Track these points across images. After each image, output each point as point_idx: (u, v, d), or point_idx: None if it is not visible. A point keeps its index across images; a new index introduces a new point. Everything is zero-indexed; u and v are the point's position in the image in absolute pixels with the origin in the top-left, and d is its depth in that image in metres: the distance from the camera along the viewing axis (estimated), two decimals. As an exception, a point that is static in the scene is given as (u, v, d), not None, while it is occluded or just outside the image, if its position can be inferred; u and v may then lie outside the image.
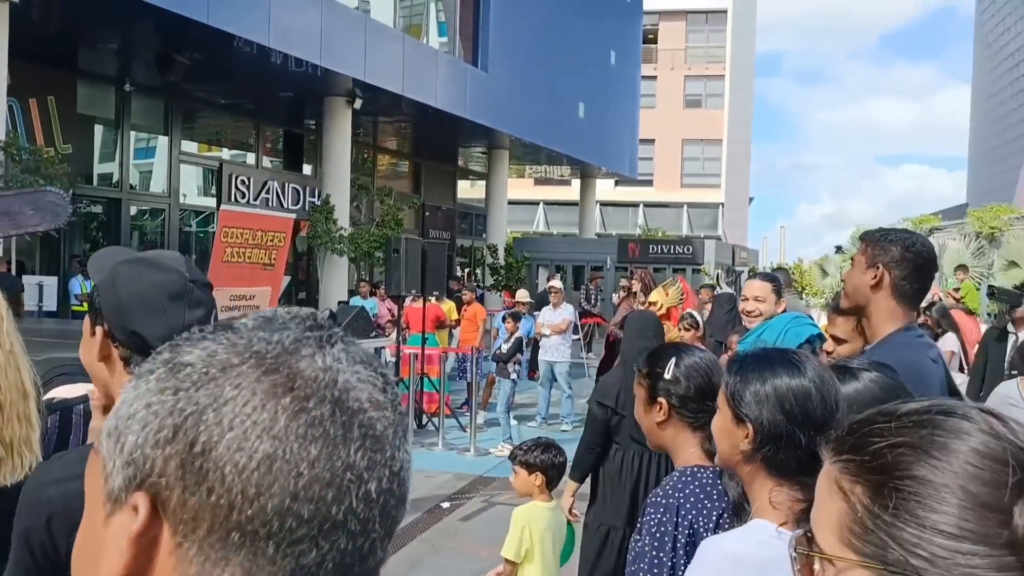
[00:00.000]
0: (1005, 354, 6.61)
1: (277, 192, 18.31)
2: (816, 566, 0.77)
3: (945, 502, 0.70)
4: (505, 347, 9.63)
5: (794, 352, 1.68)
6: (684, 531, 1.84)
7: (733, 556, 1.49)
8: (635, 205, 39.83)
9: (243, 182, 17.66)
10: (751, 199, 41.22)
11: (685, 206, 40.13)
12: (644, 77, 31.98)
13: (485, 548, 6.12)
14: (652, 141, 37.67)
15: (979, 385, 6.41)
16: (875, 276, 2.42)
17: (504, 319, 10.26)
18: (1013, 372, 6.45)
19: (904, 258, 2.40)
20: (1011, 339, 6.77)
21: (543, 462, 3.62)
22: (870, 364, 1.79)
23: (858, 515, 0.74)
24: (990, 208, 23.10)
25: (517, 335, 9.76)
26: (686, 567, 1.64)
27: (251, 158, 18.93)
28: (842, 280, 2.96)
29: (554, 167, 28.86)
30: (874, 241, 2.47)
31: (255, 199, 17.74)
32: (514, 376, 9.62)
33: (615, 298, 13.24)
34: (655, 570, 1.86)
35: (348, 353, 0.62)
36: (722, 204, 39.73)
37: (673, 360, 2.11)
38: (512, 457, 3.74)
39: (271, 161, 19.75)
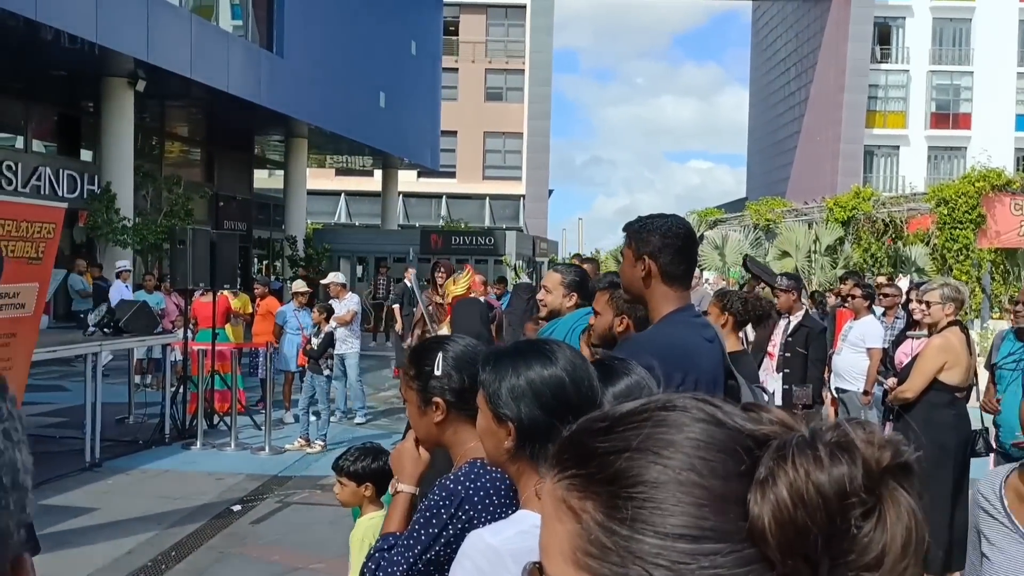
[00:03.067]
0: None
1: (50, 179, 16.85)
2: None
3: (680, 503, 0.65)
4: (316, 342, 9.33)
5: (546, 342, 1.67)
6: (457, 525, 1.79)
7: (493, 548, 1.45)
8: (438, 196, 39.93)
9: (9, 168, 16.12)
10: (551, 192, 42.34)
11: (487, 198, 40.68)
12: (445, 69, 32.09)
13: (278, 551, 5.89)
14: (454, 133, 37.90)
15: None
16: (643, 268, 2.47)
17: (307, 311, 9.95)
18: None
19: (665, 244, 2.47)
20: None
21: (373, 471, 3.34)
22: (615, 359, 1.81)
23: (592, 535, 0.67)
24: (765, 201, 24.91)
25: (327, 330, 9.49)
26: (451, 561, 1.59)
27: (20, 142, 17.33)
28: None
29: (356, 157, 28.41)
30: (635, 233, 2.52)
31: (24, 186, 16.26)
32: (327, 372, 9.34)
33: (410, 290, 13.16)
34: (413, 545, 1.81)
35: None
36: (523, 196, 40.60)
37: (440, 355, 2.02)
38: (337, 469, 3.42)
39: (44, 146, 18.17)
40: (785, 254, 20.39)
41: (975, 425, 5.58)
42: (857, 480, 0.62)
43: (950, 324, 5.30)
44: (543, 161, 40.49)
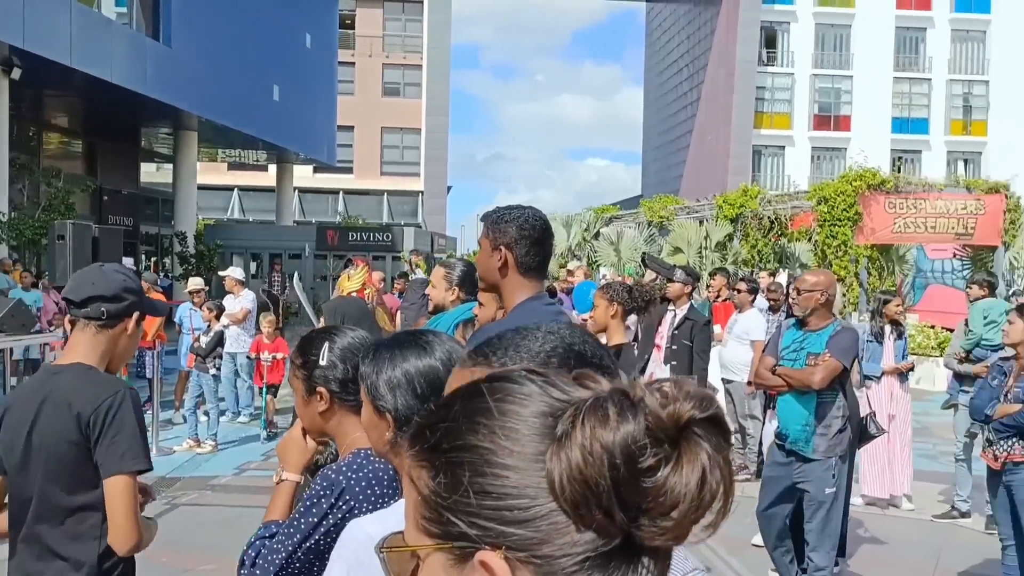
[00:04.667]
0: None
1: (-84, 171, 15.85)
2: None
3: (492, 464, 0.70)
4: (205, 340, 9.09)
5: (425, 333, 1.70)
6: (338, 514, 1.80)
7: (371, 537, 1.47)
8: (335, 192, 39.35)
9: None
10: (450, 188, 42.28)
11: (385, 194, 40.32)
12: (342, 63, 31.66)
13: (166, 552, 5.72)
14: (351, 128, 37.43)
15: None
16: (500, 258, 2.53)
17: (201, 309, 9.68)
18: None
19: (522, 236, 2.53)
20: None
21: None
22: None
23: (425, 498, 0.73)
24: (659, 199, 25.42)
25: (217, 328, 9.25)
26: (329, 550, 1.60)
27: None
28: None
29: (249, 151, 27.72)
30: (493, 224, 2.57)
31: None
32: (213, 371, 9.11)
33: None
34: (293, 534, 1.82)
35: None
36: (422, 193, 40.40)
37: (326, 345, 2.03)
38: None
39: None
40: (678, 250, 20.90)
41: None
42: (641, 435, 0.67)
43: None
44: (442, 157, 40.38)
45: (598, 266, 22.15)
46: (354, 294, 7.48)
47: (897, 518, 7.07)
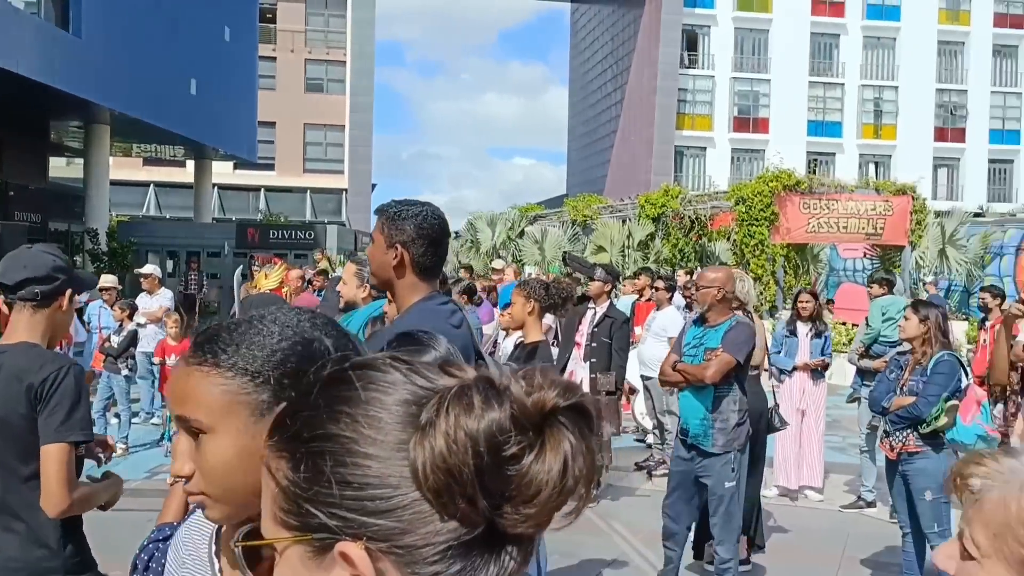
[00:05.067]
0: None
1: None
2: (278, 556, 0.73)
3: (353, 453, 0.69)
4: (116, 340, 8.80)
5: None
6: None
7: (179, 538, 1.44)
8: (255, 189, 38.59)
9: None
10: (374, 186, 41.89)
11: (308, 191, 39.74)
12: (263, 57, 31.09)
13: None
14: (273, 124, 36.79)
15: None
16: (395, 256, 2.48)
17: (113, 308, 9.38)
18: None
19: (420, 235, 2.48)
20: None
21: None
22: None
23: (284, 490, 0.72)
24: (583, 198, 25.65)
25: (131, 327, 8.98)
26: None
27: None
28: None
29: (166, 147, 27.00)
30: (389, 220, 2.50)
31: None
32: (126, 372, 8.83)
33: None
34: None
35: None
36: (345, 190, 39.95)
37: None
38: None
39: None
40: (601, 249, 21.13)
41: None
42: (506, 423, 0.67)
43: (735, 309, 5.71)
44: (366, 155, 40.01)
45: (523, 264, 22.24)
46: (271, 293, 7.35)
47: (807, 509, 7.28)
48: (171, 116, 21.24)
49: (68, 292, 2.54)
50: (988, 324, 8.02)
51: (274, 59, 38.13)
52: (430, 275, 2.55)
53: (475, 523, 0.68)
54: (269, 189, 38.79)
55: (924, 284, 16.57)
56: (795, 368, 7.35)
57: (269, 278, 7.30)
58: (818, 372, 7.40)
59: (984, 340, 8.02)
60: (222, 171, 31.83)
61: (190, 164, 28.46)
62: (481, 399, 0.68)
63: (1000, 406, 4.34)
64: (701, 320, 5.01)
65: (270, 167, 37.59)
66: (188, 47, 21.97)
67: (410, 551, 0.68)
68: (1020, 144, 45.93)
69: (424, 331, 2.21)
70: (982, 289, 9.44)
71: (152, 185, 37.68)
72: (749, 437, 4.89)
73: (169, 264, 23.49)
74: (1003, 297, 8.32)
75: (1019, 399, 3.73)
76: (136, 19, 19.52)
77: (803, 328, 7.38)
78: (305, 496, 0.70)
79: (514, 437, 0.67)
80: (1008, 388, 3.67)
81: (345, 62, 39.79)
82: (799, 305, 7.46)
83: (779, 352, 7.46)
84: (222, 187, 35.64)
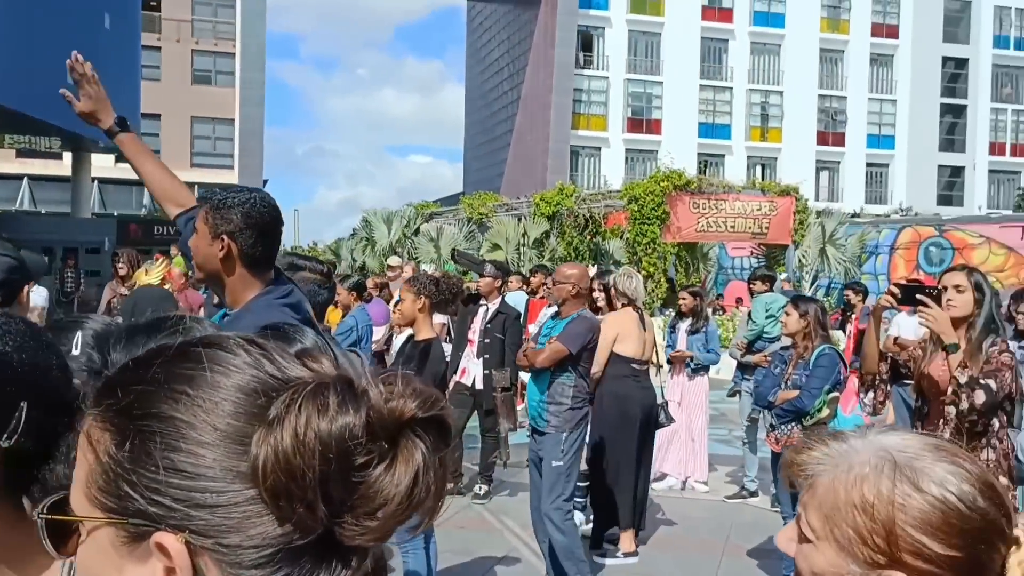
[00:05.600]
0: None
1: None
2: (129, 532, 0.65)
3: (188, 439, 0.63)
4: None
5: (184, 319, 1.60)
6: None
7: None
8: (139, 184, 36.92)
9: None
10: (266, 182, 40.88)
11: (196, 186, 38.43)
12: (146, 47, 29.89)
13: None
14: (158, 116, 35.44)
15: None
16: (222, 247, 2.33)
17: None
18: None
19: (248, 225, 2.34)
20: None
21: None
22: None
23: (103, 466, 0.65)
24: (479, 196, 25.70)
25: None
26: None
27: None
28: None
29: (41, 138, 25.65)
30: (214, 209, 2.35)
31: None
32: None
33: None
34: None
35: None
36: (236, 186, 38.87)
37: (79, 334, 1.86)
38: None
39: None
40: (496, 246, 21.22)
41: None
42: (358, 430, 0.63)
43: (624, 305, 5.83)
44: (257, 149, 39.00)
45: (418, 262, 22.11)
46: (151, 289, 7.06)
47: (693, 500, 7.45)
48: (46, 106, 20.16)
49: (25, 288, 2.57)
50: (853, 317, 8.69)
51: (159, 49, 36.72)
52: (261, 268, 2.40)
53: (310, 529, 0.63)
54: (155, 184, 37.28)
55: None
56: (669, 360, 7.60)
57: (150, 274, 7.00)
58: (698, 367, 7.58)
59: (849, 331, 8.56)
60: (103, 164, 30.51)
61: (68, 156, 27.14)
62: (337, 400, 0.64)
63: (871, 394, 4.52)
64: (557, 313, 5.22)
65: (156, 161, 36.20)
66: (65, 35, 20.92)
67: (235, 551, 0.63)
68: (894, 149, 48.39)
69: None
70: (845, 287, 10.05)
71: (26, 178, 35.78)
72: (584, 421, 5.09)
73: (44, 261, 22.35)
74: (865, 293, 9.05)
75: (887, 387, 3.89)
76: (7, 3, 18.48)
77: (683, 324, 7.61)
78: (127, 478, 0.64)
79: (366, 445, 0.63)
80: (877, 377, 3.83)
81: (234, 53, 38.67)
82: (680, 302, 7.74)
83: (668, 347, 7.67)
84: (103, 181, 34.17)
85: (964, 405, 3.42)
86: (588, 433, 6.53)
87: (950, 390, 3.47)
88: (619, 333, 5.75)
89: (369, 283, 9.97)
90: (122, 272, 8.05)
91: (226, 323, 2.41)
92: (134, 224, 23.68)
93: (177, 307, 7.12)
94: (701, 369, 7.61)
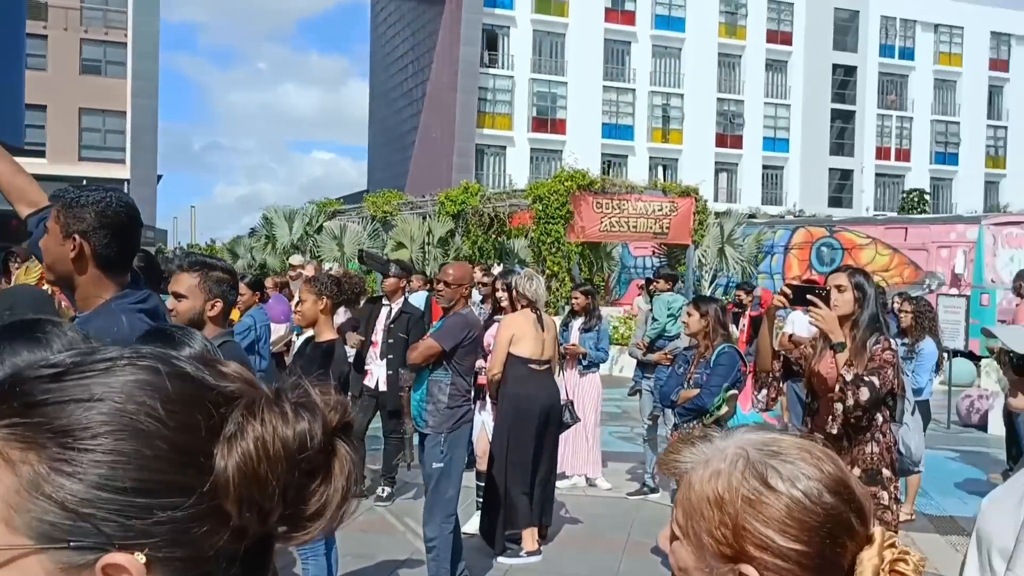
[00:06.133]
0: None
1: None
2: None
3: (128, 454, 0.61)
4: None
5: (43, 322, 1.52)
6: None
7: None
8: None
9: None
10: (160, 177, 39.54)
11: (84, 181, 36.87)
12: (31, 35, 28.48)
13: None
14: (43, 107, 33.83)
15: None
16: (73, 247, 2.24)
17: None
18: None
19: (101, 224, 2.26)
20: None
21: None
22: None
23: (27, 486, 0.60)
24: (383, 193, 25.44)
25: None
26: None
27: None
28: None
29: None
30: (65, 208, 2.26)
31: None
32: None
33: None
34: None
35: None
36: (128, 181, 37.42)
37: None
38: None
39: None
40: (401, 245, 21.05)
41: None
42: (317, 436, 0.67)
43: (524, 306, 5.83)
44: (150, 143, 37.67)
45: (320, 260, 21.74)
46: (32, 289, 6.71)
47: (595, 497, 7.53)
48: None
49: None
50: (744, 315, 9.04)
51: (45, 37, 35.06)
52: (116, 269, 2.32)
53: (256, 533, 0.66)
54: (39, 178, 35.02)
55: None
56: (562, 357, 7.71)
57: (29, 273, 6.64)
58: (589, 364, 7.67)
59: (742, 326, 8.85)
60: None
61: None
62: (293, 409, 0.67)
63: (764, 392, 4.66)
64: (445, 311, 5.24)
65: (40, 154, 34.53)
66: (-59, 18, 19.79)
67: (194, 561, 0.63)
68: (788, 152, 50.13)
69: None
70: (736, 286, 10.40)
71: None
72: (464, 421, 5.04)
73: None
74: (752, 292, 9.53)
75: (779, 385, 4.02)
76: None
77: (576, 322, 7.72)
78: (57, 496, 0.60)
79: (317, 453, 0.67)
80: (770, 375, 3.94)
81: (126, 43, 37.24)
82: (572, 300, 7.86)
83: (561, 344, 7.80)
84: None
85: (850, 402, 3.54)
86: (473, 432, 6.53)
87: (837, 387, 3.59)
88: (515, 334, 5.75)
89: (268, 282, 9.75)
90: (13, 270, 7.64)
91: (76, 325, 2.32)
92: (16, 220, 22.49)
93: (53, 306, 6.79)
94: (592, 367, 7.70)
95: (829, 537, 0.96)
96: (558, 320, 7.57)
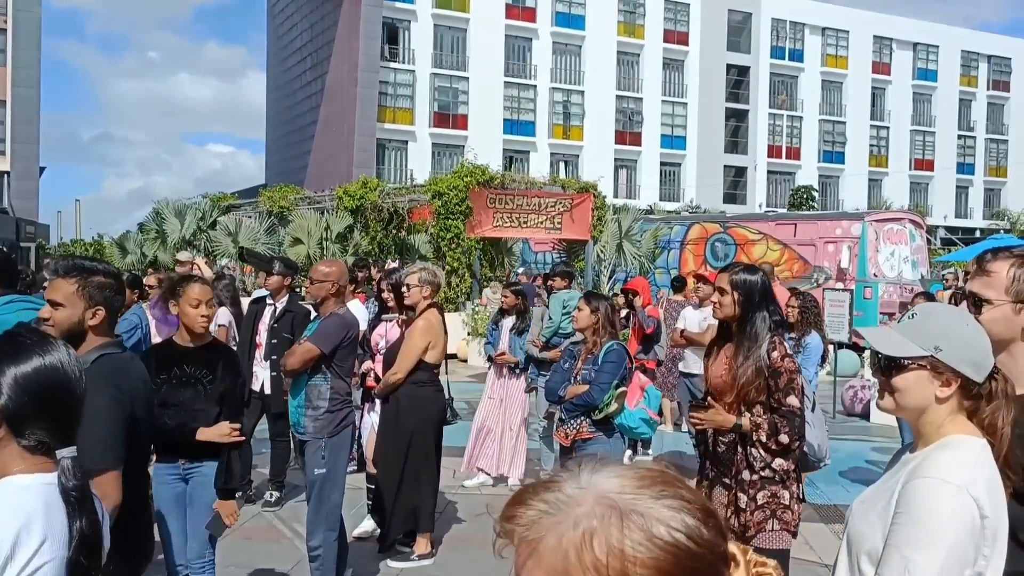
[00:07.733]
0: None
1: None
2: None
3: None
4: None
5: None
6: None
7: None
8: None
9: None
10: (43, 169, 37.64)
11: (-41, 173, 34.89)
12: None
13: None
14: (-89, 94, 31.84)
15: None
16: None
17: None
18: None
19: None
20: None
21: None
22: None
23: None
24: (279, 188, 24.80)
25: None
26: None
27: None
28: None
29: None
30: None
31: None
32: None
33: None
34: None
35: None
36: (7, 173, 35.54)
37: None
38: None
39: None
40: (298, 241, 20.55)
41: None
42: None
43: (428, 306, 5.66)
44: (33, 134, 35.83)
45: (215, 257, 21.05)
46: None
47: (492, 495, 7.44)
48: None
49: None
50: (634, 314, 9.19)
51: (-87, 20, 32.97)
52: None
53: None
54: (-91, 170, 33.51)
55: (518, 273, 18.22)
56: (490, 358, 7.73)
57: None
58: (517, 365, 7.65)
59: (633, 324, 8.94)
60: None
61: None
62: None
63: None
64: (318, 312, 5.04)
65: (-90, 144, 32.50)
66: None
67: None
68: (685, 149, 51.27)
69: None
70: (622, 291, 10.51)
71: None
72: (345, 425, 4.88)
73: None
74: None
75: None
76: None
77: (506, 322, 7.72)
78: None
79: None
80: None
81: (5, 29, 35.32)
82: (502, 300, 7.86)
83: (488, 343, 7.83)
84: None
85: (763, 438, 3.54)
86: (361, 436, 6.37)
87: (747, 421, 3.56)
88: (431, 341, 5.59)
89: (151, 280, 9.31)
90: None
91: None
92: None
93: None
94: (521, 369, 7.68)
95: (713, 571, 0.91)
96: (461, 316, 7.46)
